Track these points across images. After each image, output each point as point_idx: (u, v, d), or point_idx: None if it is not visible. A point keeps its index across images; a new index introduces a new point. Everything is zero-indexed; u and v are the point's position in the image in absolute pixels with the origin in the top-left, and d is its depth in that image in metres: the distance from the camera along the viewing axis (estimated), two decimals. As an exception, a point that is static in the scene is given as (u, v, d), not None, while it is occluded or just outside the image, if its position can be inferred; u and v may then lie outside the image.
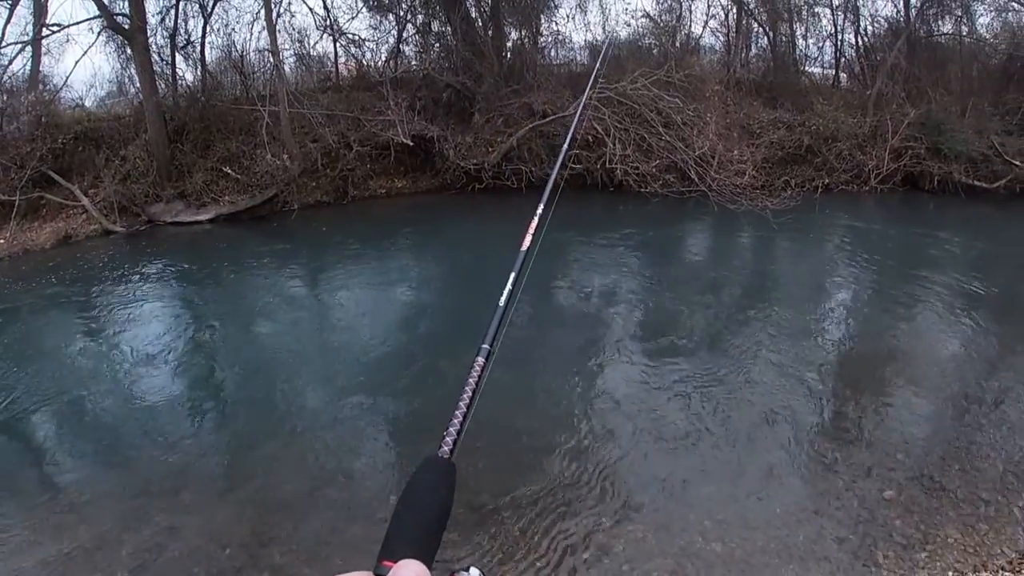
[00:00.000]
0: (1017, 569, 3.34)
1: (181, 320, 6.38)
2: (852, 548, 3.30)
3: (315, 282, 7.43)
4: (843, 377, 5.28)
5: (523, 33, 12.03)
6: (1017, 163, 12.55)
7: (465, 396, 0.95)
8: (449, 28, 11.50)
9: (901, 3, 13.26)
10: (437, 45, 11.75)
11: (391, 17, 11.70)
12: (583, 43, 12.46)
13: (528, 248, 1.27)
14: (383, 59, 11.75)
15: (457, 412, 0.93)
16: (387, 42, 11.81)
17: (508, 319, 1.08)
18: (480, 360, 1.01)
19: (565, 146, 1.83)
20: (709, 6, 12.90)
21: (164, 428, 4.27)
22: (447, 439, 0.89)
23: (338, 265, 7.72)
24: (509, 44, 11.97)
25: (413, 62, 11.78)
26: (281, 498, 3.57)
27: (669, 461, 3.88)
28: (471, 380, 0.97)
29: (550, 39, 12.24)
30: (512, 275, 1.18)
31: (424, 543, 0.74)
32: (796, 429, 4.30)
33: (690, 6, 12.72)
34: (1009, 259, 9.89)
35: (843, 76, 13.33)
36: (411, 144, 9.70)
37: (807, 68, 13.22)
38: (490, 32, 11.81)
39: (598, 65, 3.62)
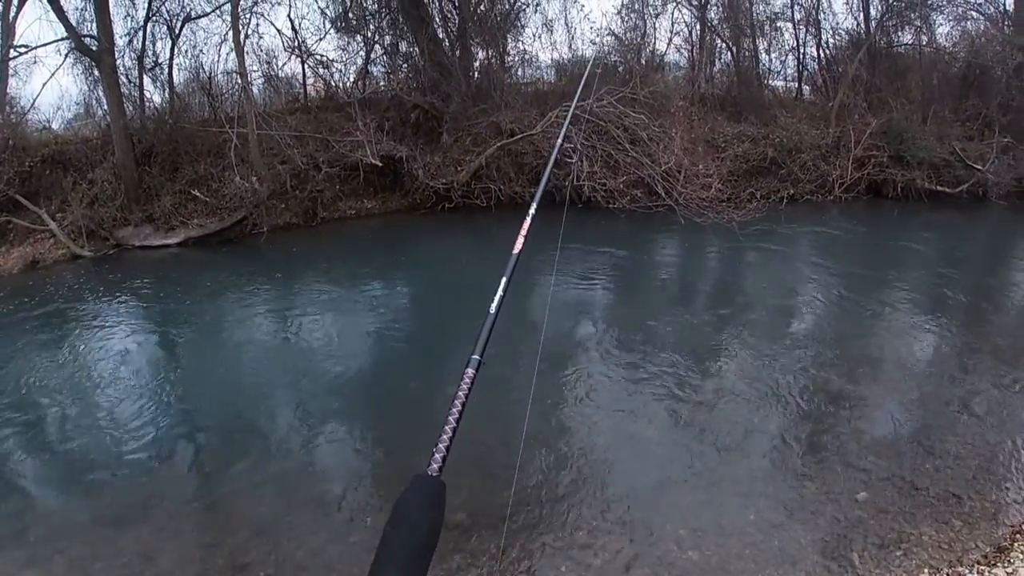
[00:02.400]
0: (992, 563, 3.71)
1: (150, 345, 6.89)
2: (827, 550, 3.70)
3: (286, 305, 8.02)
4: (814, 383, 5.89)
5: (490, 53, 13.45)
6: (979, 167, 14.29)
7: (454, 411, 1.03)
8: (416, 49, 12.83)
9: (861, 15, 15.10)
10: (405, 66, 13.12)
11: (359, 38, 13.05)
12: (550, 62, 13.96)
13: (519, 252, 1.40)
14: (351, 80, 13.05)
15: (446, 428, 1.00)
16: (355, 63, 13.13)
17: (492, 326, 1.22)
18: (470, 372, 1.10)
19: (555, 151, 2.19)
20: (673, 23, 14.63)
21: (135, 454, 4.60)
22: (436, 456, 0.97)
23: (309, 287, 8.45)
24: (476, 64, 13.37)
25: (381, 83, 13.15)
26: (257, 522, 3.85)
27: (643, 472, 4.34)
28: (460, 393, 1.05)
29: (517, 58, 13.71)
30: (503, 280, 1.30)
31: (415, 565, 0.82)
32: (769, 436, 4.87)
33: (654, 24, 14.41)
34: (973, 261, 11.38)
35: (806, 89, 15.07)
36: (380, 165, 10.90)
37: (770, 82, 14.97)
38: (457, 52, 13.19)
39: (584, 77, 4.40)
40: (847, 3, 15.20)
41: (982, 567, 3.66)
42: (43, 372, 6.05)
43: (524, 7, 13.97)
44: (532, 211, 1.59)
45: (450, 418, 1.02)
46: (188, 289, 8.50)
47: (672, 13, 14.49)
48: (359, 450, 4.72)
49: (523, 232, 1.48)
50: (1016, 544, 3.89)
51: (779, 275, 9.50)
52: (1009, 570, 3.58)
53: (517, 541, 3.63)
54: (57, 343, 6.84)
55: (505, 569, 3.47)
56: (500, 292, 1.29)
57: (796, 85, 15.00)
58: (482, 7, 13.64)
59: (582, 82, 3.99)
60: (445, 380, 5.63)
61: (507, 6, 13.84)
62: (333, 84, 12.98)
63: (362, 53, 13.14)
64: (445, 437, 0.99)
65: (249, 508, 3.99)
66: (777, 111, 13.34)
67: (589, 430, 4.85)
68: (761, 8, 14.56)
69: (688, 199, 11.41)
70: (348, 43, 13.11)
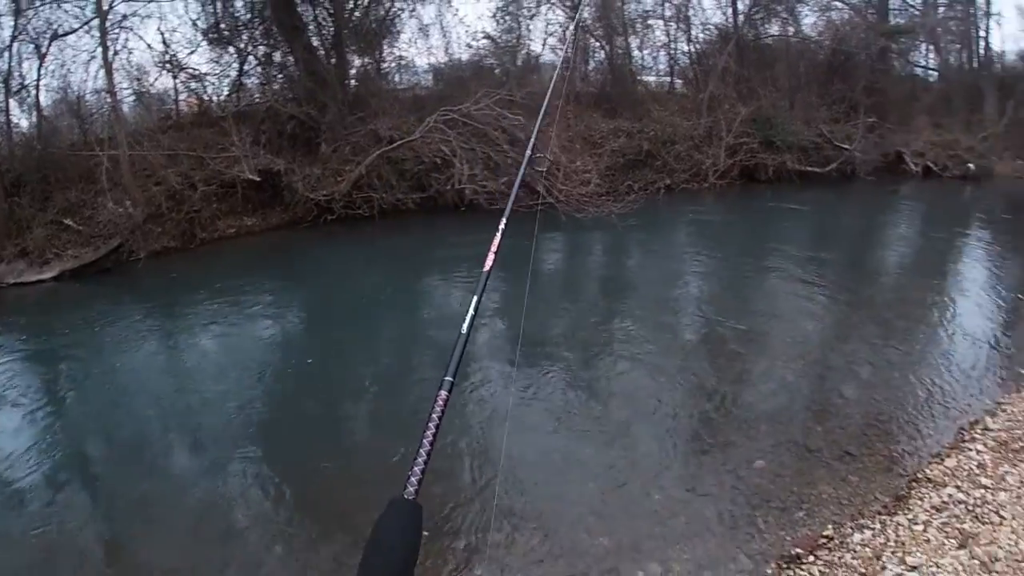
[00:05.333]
0: (892, 512, 4.30)
1: (27, 393, 6.93)
2: (733, 518, 4.28)
3: (171, 334, 8.55)
4: (704, 361, 6.88)
5: (366, 60, 15.60)
6: (846, 147, 17.84)
7: (428, 434, 1.20)
8: (291, 58, 14.54)
9: (730, 10, 18.45)
10: (279, 76, 14.83)
11: (232, 49, 14.59)
12: (426, 66, 16.23)
13: (489, 269, 1.58)
14: (225, 93, 14.59)
15: (421, 451, 1.17)
16: (228, 75, 14.61)
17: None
18: (443, 394, 1.27)
19: (526, 160, 2.42)
20: (548, 24, 17.30)
21: (24, 509, 4.76)
22: (412, 479, 1.14)
23: (192, 313, 8.99)
24: (352, 71, 15.42)
25: (256, 95, 14.71)
26: (167, 566, 4.14)
27: (546, 464, 4.86)
28: (434, 416, 1.23)
29: (393, 64, 15.90)
30: (474, 299, 1.47)
31: None
32: (666, 417, 5.61)
33: (529, 25, 17.02)
34: (845, 233, 14.13)
35: (678, 82, 18.20)
36: (258, 180, 12.46)
37: (643, 77, 17.99)
38: (333, 60, 15.11)
39: (555, 77, 5.17)
40: (716, -1, 18.60)
41: (883, 516, 4.26)
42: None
43: (399, 13, 16.21)
44: (502, 226, 1.76)
45: (424, 441, 1.19)
46: (67, 327, 8.83)
47: (546, 14, 17.25)
48: (258, 480, 4.97)
49: (493, 249, 1.65)
50: (913, 492, 4.56)
51: (661, 261, 11.39)
52: (910, 516, 4.18)
53: (431, 550, 3.95)
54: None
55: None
56: (471, 311, 1.44)
57: (668, 79, 18.17)
58: (357, 13, 15.68)
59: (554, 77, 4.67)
60: (345, 397, 6.34)
61: (382, 12, 15.97)
62: (206, 98, 14.43)
63: (235, 65, 14.66)
64: (420, 460, 1.16)
65: (157, 551, 4.28)
66: (651, 105, 16.29)
67: (484, 431, 5.42)
68: (633, 7, 17.66)
69: (568, 195, 13.65)
70: (221, 55, 14.56)
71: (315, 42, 15.07)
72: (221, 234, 12.48)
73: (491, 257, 1.64)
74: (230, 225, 12.71)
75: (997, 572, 3.43)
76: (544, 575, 3.85)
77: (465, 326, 1.43)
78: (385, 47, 15.83)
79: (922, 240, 14.49)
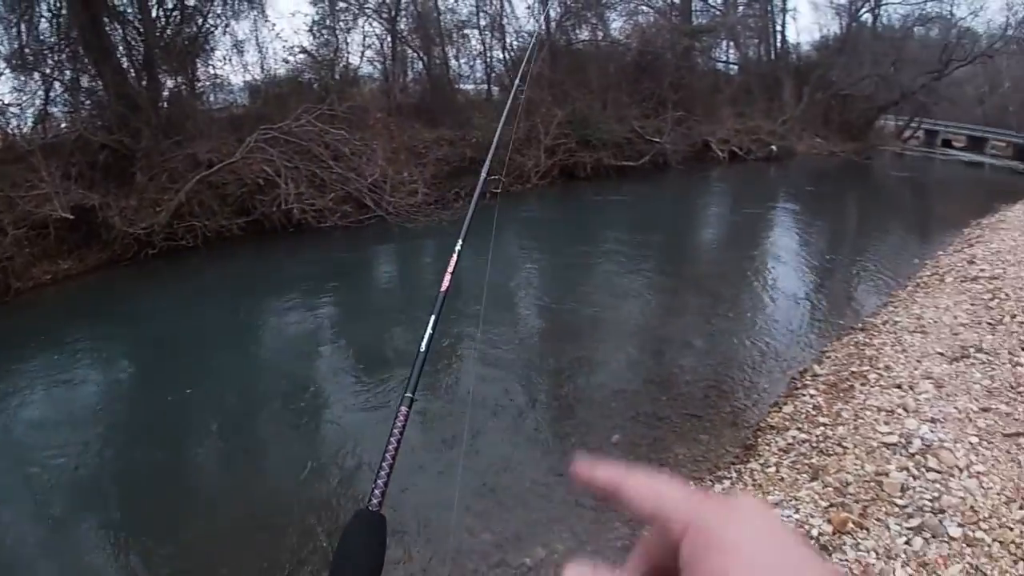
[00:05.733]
0: (745, 460, 4.76)
1: None
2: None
3: None
4: (549, 350, 7.32)
5: (179, 80, 15.51)
6: (657, 140, 19.86)
7: (390, 447, 1.30)
8: (100, 82, 13.95)
9: (542, 18, 19.94)
10: (88, 102, 14.24)
11: (36, 76, 13.82)
12: (242, 84, 16.36)
13: (447, 290, 1.70)
14: (30, 124, 13.80)
15: (383, 464, 1.25)
16: (33, 104, 13.79)
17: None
18: (404, 410, 1.38)
19: (484, 173, 2.43)
20: (365, 36, 17.96)
21: None
22: (375, 491, 1.21)
23: (18, 371, 7.81)
24: (165, 93, 15.26)
25: (63, 124, 14.10)
26: None
27: (409, 474, 4.82)
28: (395, 430, 1.32)
29: (208, 83, 15.91)
30: (432, 318, 1.58)
31: None
32: (520, 408, 5.92)
33: (346, 38, 17.60)
34: (663, 218, 15.67)
35: (495, 89, 19.52)
36: (72, 217, 11.97)
37: (461, 86, 19.14)
38: (144, 82, 14.85)
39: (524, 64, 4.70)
40: (528, 8, 20.04)
41: (738, 465, 4.72)
42: None
43: (212, 29, 16.21)
44: (459, 247, 1.88)
45: (387, 454, 1.28)
46: None
47: (363, 27, 17.89)
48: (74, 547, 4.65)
49: (450, 269, 1.76)
50: (759, 439, 5.08)
51: (497, 261, 11.75)
52: (761, 461, 4.65)
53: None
54: None
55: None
56: (429, 330, 1.55)
57: (485, 87, 19.46)
58: (168, 31, 15.56)
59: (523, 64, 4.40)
60: (189, 441, 6.15)
61: (195, 29, 15.95)
62: (10, 131, 13.54)
63: (40, 92, 13.89)
64: (383, 473, 1.24)
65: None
66: (470, 113, 17.45)
67: (336, 457, 5.43)
68: (449, 17, 18.72)
69: (398, 207, 14.37)
70: (26, 83, 13.73)
71: (124, 63, 14.65)
72: (38, 281, 11.25)
73: (448, 278, 1.75)
74: (46, 271, 11.57)
75: (851, 494, 3.83)
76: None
77: (423, 345, 1.53)
78: (199, 66, 15.69)
79: (736, 217, 16.50)
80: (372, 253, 13.41)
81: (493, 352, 7.24)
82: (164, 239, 12.37)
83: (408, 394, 1.43)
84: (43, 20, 14.11)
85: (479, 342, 7.42)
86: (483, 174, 2.45)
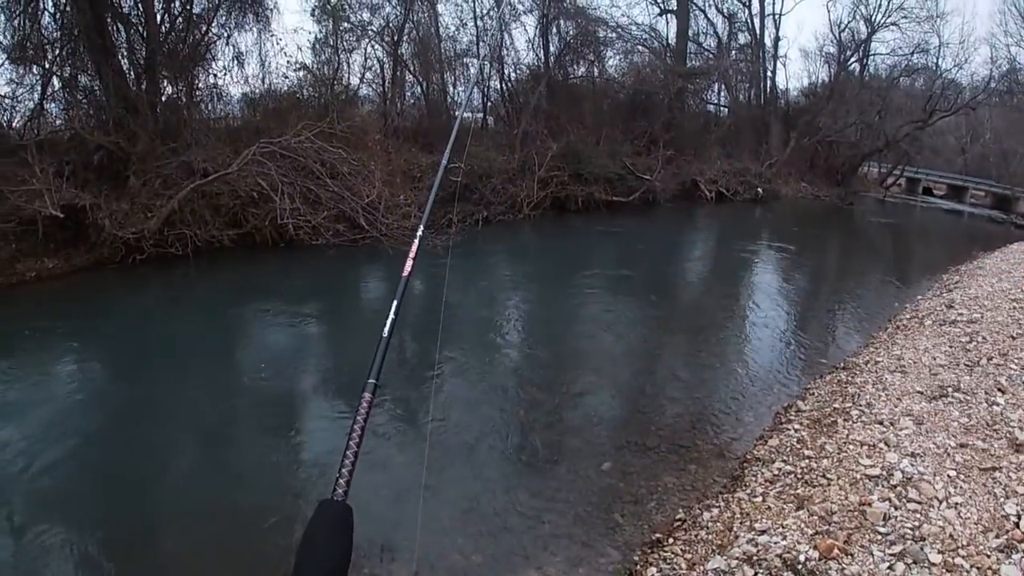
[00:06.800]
0: (732, 490, 4.86)
1: None
2: (592, 518, 4.69)
3: None
4: (538, 380, 7.33)
5: (179, 87, 15.57)
6: (647, 177, 20.21)
7: (355, 434, 1.28)
8: (99, 82, 13.88)
9: (541, 51, 20.38)
10: (85, 101, 14.17)
11: (35, 70, 13.69)
12: (240, 96, 16.45)
13: (408, 275, 1.73)
14: (26, 118, 13.67)
15: (348, 452, 1.24)
16: (31, 98, 13.66)
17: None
18: (367, 396, 1.38)
19: (444, 160, 2.49)
20: (366, 58, 18.24)
21: None
22: (340, 481, 1.20)
23: None
24: (164, 98, 15.26)
25: (59, 121, 13.97)
26: None
27: (398, 499, 4.85)
28: (359, 417, 1.32)
29: (207, 93, 15.97)
30: (395, 303, 1.62)
31: None
32: (508, 436, 5.99)
33: (348, 58, 17.86)
34: (652, 254, 15.99)
35: (491, 119, 19.84)
36: (62, 216, 11.78)
37: (458, 113, 19.39)
38: (144, 86, 14.87)
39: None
40: (528, 41, 20.49)
41: (726, 495, 4.81)
42: None
43: (215, 39, 16.27)
44: (420, 233, 1.98)
45: (351, 443, 1.25)
46: None
47: (365, 49, 18.15)
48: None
49: (411, 255, 1.82)
50: (746, 470, 5.17)
51: (483, 291, 11.87)
52: (748, 491, 4.72)
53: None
54: None
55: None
56: (392, 315, 1.58)
57: (482, 116, 19.78)
58: (172, 35, 15.48)
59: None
60: (163, 449, 5.90)
61: (198, 35, 15.94)
62: (4, 124, 13.36)
63: (38, 87, 13.74)
64: (347, 462, 1.23)
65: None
66: (466, 140, 17.68)
67: (319, 483, 5.21)
68: (449, 45, 19.08)
69: (391, 228, 14.35)
70: (23, 76, 13.58)
71: (125, 65, 14.60)
72: (20, 278, 11.15)
73: (409, 263, 1.83)
74: (30, 268, 11.48)
75: (835, 522, 3.92)
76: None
77: (386, 330, 1.56)
78: (199, 74, 15.72)
79: (722, 255, 16.94)
80: (363, 273, 13.48)
81: (476, 375, 7.34)
82: (153, 245, 12.27)
83: (371, 380, 1.45)
84: (46, 14, 14.02)
85: (460, 367, 7.53)
86: (443, 161, 2.57)
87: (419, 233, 2.07)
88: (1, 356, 7.86)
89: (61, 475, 5.40)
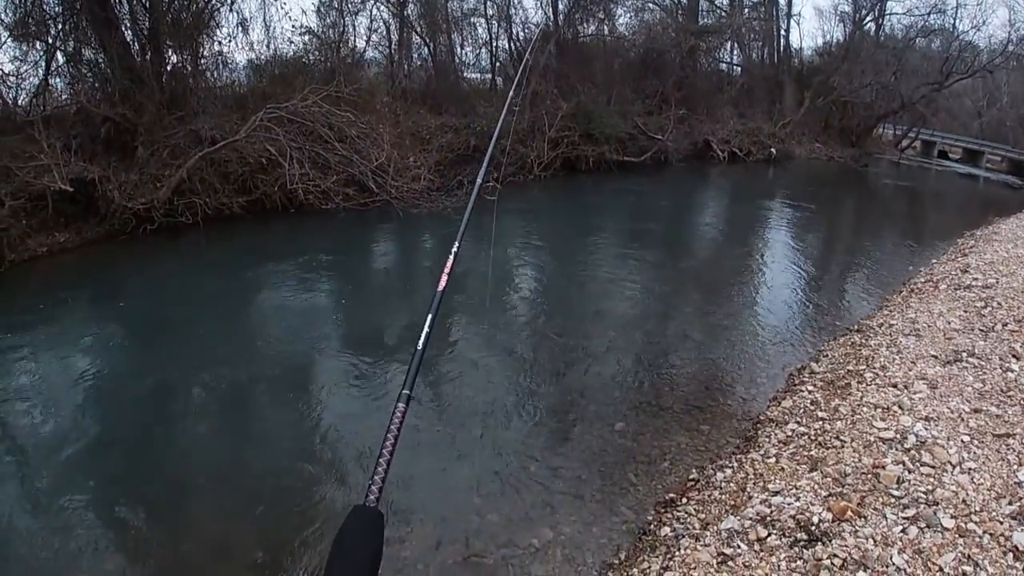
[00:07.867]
0: (745, 451, 4.91)
1: None
2: (607, 477, 4.76)
3: None
4: (553, 342, 7.32)
5: (184, 55, 15.43)
6: (659, 137, 20.00)
7: (388, 443, 1.32)
8: (104, 54, 13.83)
9: (550, 10, 20.00)
10: (90, 74, 14.14)
11: (39, 46, 13.59)
12: (246, 62, 16.28)
13: (443, 288, 1.73)
14: (31, 94, 13.64)
15: (380, 460, 1.28)
16: (36, 74, 13.59)
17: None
18: (401, 406, 1.41)
19: (485, 163, 2.51)
20: (372, 20, 17.98)
21: None
22: (373, 487, 1.23)
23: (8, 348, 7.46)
24: (169, 68, 15.17)
25: (64, 95, 13.98)
26: None
27: (420, 459, 4.95)
28: (392, 427, 1.35)
29: (212, 60, 15.83)
30: (429, 317, 1.62)
31: None
32: (525, 398, 6.01)
33: (353, 21, 17.61)
34: (663, 214, 15.99)
35: (499, 79, 19.59)
36: (71, 190, 11.74)
37: (466, 74, 19.18)
38: (148, 56, 14.75)
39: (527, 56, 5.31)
40: (536, -1, 20.06)
41: (739, 455, 4.86)
42: None
43: (219, 5, 16.07)
44: (455, 249, 1.91)
45: (384, 451, 1.30)
46: None
47: (371, 11, 17.90)
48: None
49: (447, 270, 1.81)
50: (759, 431, 5.20)
51: (501, 252, 11.41)
52: (762, 452, 4.77)
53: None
54: None
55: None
56: (426, 328, 1.59)
57: (490, 76, 19.51)
58: (176, 4, 15.24)
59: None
60: (178, 424, 5.85)
61: (201, 4, 15.81)
62: (10, 101, 13.35)
63: (42, 63, 13.67)
64: (380, 469, 1.27)
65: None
66: (475, 101, 17.51)
67: (334, 450, 5.28)
68: (456, 5, 18.75)
69: (401, 191, 14.41)
70: (27, 52, 13.48)
71: (129, 36, 14.45)
72: (33, 254, 11.11)
73: (444, 278, 1.80)
74: (42, 243, 11.44)
75: (849, 484, 3.95)
76: (444, 559, 3.99)
77: (420, 343, 1.57)
78: (204, 42, 15.55)
79: (735, 215, 16.82)
80: (374, 236, 13.41)
81: (493, 340, 7.29)
82: (163, 215, 12.31)
83: (406, 391, 1.46)
84: (48, -11, 13.81)
85: (478, 330, 7.48)
86: (479, 180, 2.45)
87: (455, 249, 1.99)
88: (20, 330, 7.91)
89: (85, 444, 5.43)
